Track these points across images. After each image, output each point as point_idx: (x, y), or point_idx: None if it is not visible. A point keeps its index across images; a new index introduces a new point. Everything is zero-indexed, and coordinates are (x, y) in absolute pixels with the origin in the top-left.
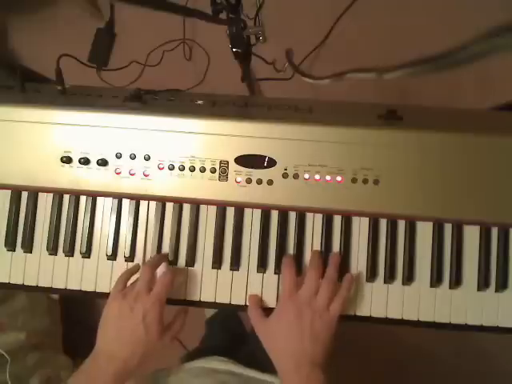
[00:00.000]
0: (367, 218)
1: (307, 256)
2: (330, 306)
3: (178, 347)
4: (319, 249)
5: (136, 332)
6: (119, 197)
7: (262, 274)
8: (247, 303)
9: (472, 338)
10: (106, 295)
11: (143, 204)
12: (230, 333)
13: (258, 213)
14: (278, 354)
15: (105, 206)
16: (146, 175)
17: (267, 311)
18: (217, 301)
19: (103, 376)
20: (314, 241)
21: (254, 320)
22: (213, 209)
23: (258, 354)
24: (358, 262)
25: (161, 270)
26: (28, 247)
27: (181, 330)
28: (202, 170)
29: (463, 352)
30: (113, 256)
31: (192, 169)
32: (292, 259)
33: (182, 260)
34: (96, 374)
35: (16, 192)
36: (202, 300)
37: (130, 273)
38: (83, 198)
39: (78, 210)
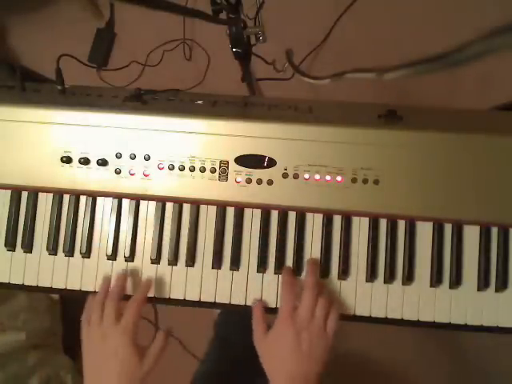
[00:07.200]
0: (367, 218)
1: (307, 256)
2: (327, 326)
3: (177, 347)
4: (319, 250)
5: (113, 368)
6: (119, 197)
7: (261, 274)
8: (253, 312)
9: (472, 338)
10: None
11: (143, 204)
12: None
13: (257, 213)
14: (274, 374)
15: (105, 206)
16: (146, 175)
17: (267, 310)
18: (217, 301)
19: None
20: (313, 241)
21: (256, 334)
22: (213, 209)
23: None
24: (358, 261)
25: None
26: (28, 247)
27: (162, 354)
28: (202, 170)
29: (463, 352)
30: (113, 256)
31: (192, 169)
32: (291, 276)
33: (181, 260)
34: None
35: (16, 192)
36: (201, 300)
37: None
38: (83, 198)
39: (77, 209)
